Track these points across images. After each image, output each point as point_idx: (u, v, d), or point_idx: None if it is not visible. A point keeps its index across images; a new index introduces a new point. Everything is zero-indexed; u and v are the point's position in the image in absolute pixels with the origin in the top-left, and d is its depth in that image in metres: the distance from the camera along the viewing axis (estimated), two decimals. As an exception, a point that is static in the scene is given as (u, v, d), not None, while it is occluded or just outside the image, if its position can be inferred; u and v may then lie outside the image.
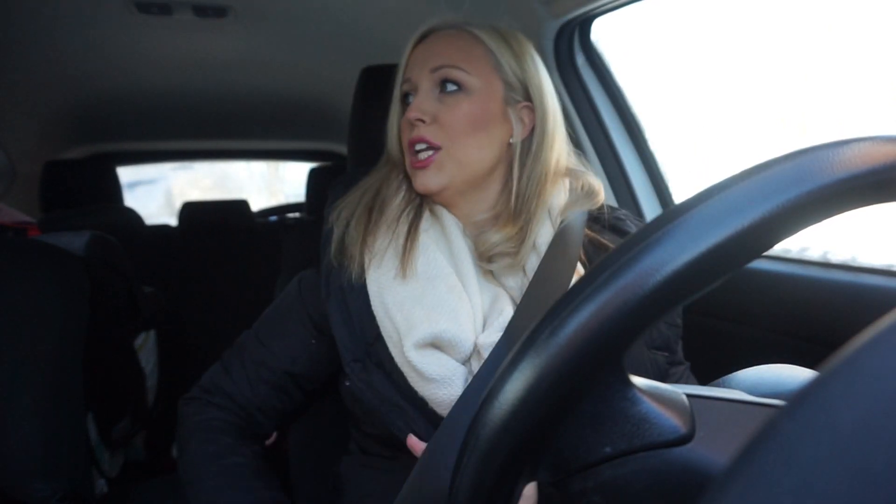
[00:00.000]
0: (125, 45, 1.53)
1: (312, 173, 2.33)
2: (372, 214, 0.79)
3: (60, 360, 1.07)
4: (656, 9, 1.27)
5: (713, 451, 0.29)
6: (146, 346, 1.62)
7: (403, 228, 0.77)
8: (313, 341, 0.81)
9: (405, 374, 0.72)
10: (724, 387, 0.41)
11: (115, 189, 2.19)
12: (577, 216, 0.78)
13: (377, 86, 1.02)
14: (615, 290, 0.25)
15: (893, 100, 1.25)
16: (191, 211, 2.33)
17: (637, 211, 1.35)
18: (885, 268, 0.87)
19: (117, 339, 1.42)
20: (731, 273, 0.26)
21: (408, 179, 0.80)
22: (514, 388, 0.27)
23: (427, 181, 0.75)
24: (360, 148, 1.01)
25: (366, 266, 0.76)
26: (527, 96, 0.79)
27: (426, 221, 0.78)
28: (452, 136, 0.75)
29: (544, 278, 0.73)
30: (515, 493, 0.29)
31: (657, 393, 0.31)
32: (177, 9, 1.32)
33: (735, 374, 0.47)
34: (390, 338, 0.73)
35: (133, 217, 2.18)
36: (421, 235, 0.77)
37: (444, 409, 0.70)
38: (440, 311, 0.71)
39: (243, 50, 1.64)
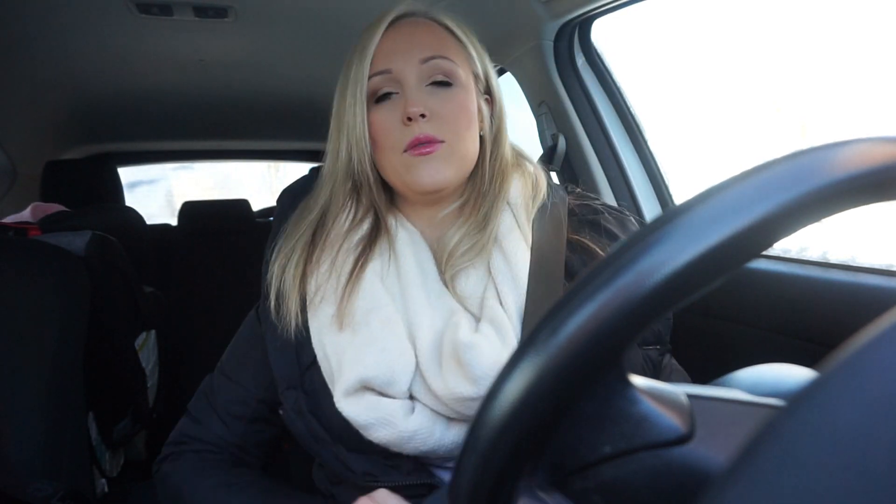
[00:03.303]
0: (126, 46, 1.53)
1: (313, 173, 2.33)
2: (312, 250, 0.73)
3: (61, 360, 1.07)
4: (656, 9, 1.27)
5: (713, 450, 0.29)
6: (146, 346, 1.62)
7: (346, 267, 0.71)
8: None
9: (340, 419, 0.67)
10: (724, 387, 0.41)
11: (116, 189, 2.19)
12: (559, 201, 0.78)
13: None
14: (615, 290, 0.25)
15: (893, 100, 1.25)
16: (191, 211, 2.34)
17: (637, 211, 1.35)
18: (885, 268, 0.87)
19: (118, 338, 1.42)
20: (730, 273, 0.26)
21: (356, 194, 0.74)
22: (514, 388, 0.27)
23: (437, 168, 0.69)
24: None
25: (307, 304, 0.71)
26: (487, 89, 0.77)
27: (378, 248, 0.72)
28: (454, 130, 0.70)
29: (542, 259, 0.71)
30: (515, 493, 0.29)
31: (657, 393, 0.31)
32: (177, 9, 1.32)
33: (735, 373, 0.47)
34: (329, 380, 0.68)
35: (134, 217, 2.18)
36: (367, 272, 0.70)
37: (394, 447, 0.66)
38: (368, 351, 0.66)
39: (244, 50, 1.64)
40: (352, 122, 0.71)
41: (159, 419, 1.72)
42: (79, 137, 2.29)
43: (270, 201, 3.01)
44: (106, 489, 1.33)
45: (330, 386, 0.68)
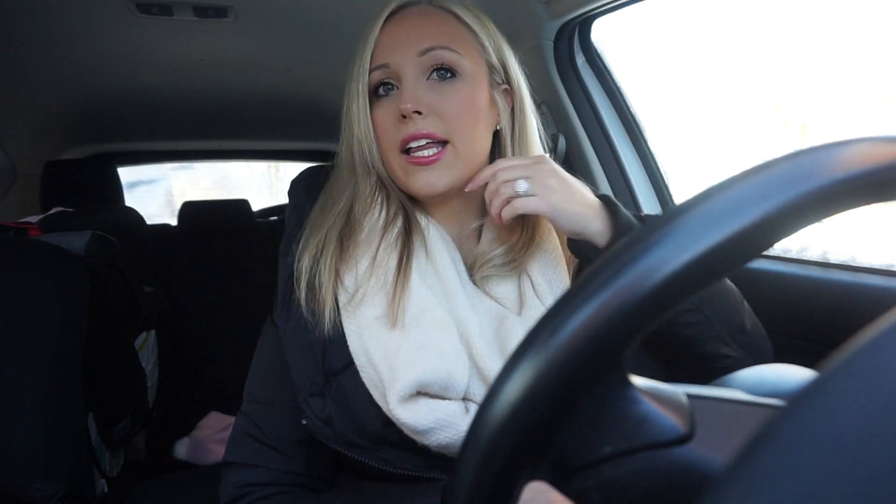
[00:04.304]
0: (126, 46, 1.53)
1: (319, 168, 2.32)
2: (344, 242, 0.68)
3: (61, 359, 1.07)
4: (656, 9, 1.27)
5: (713, 451, 0.29)
6: (146, 346, 1.62)
7: (392, 263, 0.66)
8: None
9: (381, 426, 0.64)
10: (724, 387, 0.41)
11: (116, 189, 2.19)
12: None
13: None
14: (615, 290, 0.25)
15: (893, 100, 1.25)
16: (191, 211, 2.33)
17: (637, 211, 1.34)
18: (885, 268, 0.87)
19: (117, 338, 1.42)
20: (730, 273, 0.26)
21: (384, 189, 0.71)
22: (515, 388, 0.27)
23: (433, 180, 0.66)
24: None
25: (341, 305, 0.66)
26: (505, 78, 0.73)
27: (415, 246, 0.69)
28: (457, 128, 0.66)
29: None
30: (515, 493, 0.29)
31: (657, 393, 0.31)
32: (177, 9, 1.32)
33: (735, 374, 0.47)
34: (374, 386, 0.64)
35: (134, 217, 2.18)
36: (412, 270, 0.66)
37: (452, 450, 0.63)
38: (423, 355, 0.62)
39: (244, 50, 1.64)
40: (356, 118, 0.69)
41: (159, 419, 1.72)
42: (79, 137, 2.29)
43: (270, 201, 3.01)
44: (106, 489, 1.33)
45: (374, 392, 0.64)
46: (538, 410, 0.27)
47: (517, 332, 0.65)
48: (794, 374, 0.45)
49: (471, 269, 0.72)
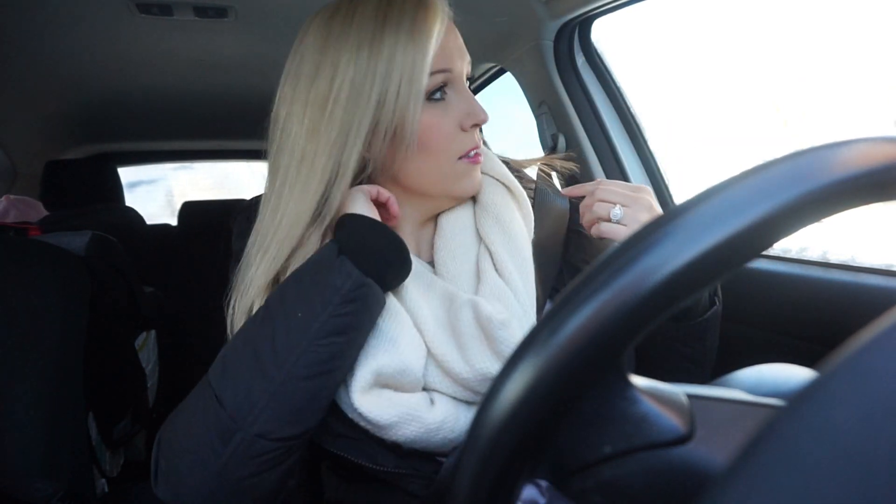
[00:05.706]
0: (126, 46, 1.53)
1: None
2: (282, 260, 0.65)
3: (61, 359, 1.07)
4: (656, 9, 1.27)
5: (713, 451, 0.29)
6: (146, 346, 1.62)
7: None
8: None
9: (359, 423, 0.63)
10: (724, 387, 0.41)
11: (116, 189, 2.19)
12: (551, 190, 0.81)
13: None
14: (615, 291, 0.25)
15: (893, 100, 1.25)
16: (191, 211, 2.33)
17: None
18: (885, 268, 0.87)
19: (117, 338, 1.43)
20: (730, 273, 0.26)
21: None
22: (514, 388, 0.27)
23: (476, 175, 0.71)
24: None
25: None
26: None
27: None
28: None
29: (541, 241, 0.76)
30: (515, 493, 0.29)
31: (657, 393, 0.31)
32: (178, 9, 1.32)
33: (735, 373, 0.47)
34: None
35: (134, 217, 2.18)
36: None
37: (420, 444, 0.62)
38: (376, 344, 0.62)
39: (244, 50, 1.64)
40: (409, 121, 0.62)
41: (159, 419, 1.72)
42: (79, 137, 2.29)
43: (270, 201, 3.00)
44: (106, 489, 1.33)
45: (338, 390, 0.63)
46: (538, 411, 0.27)
47: (465, 313, 0.63)
48: (794, 374, 0.45)
49: (428, 262, 0.73)
